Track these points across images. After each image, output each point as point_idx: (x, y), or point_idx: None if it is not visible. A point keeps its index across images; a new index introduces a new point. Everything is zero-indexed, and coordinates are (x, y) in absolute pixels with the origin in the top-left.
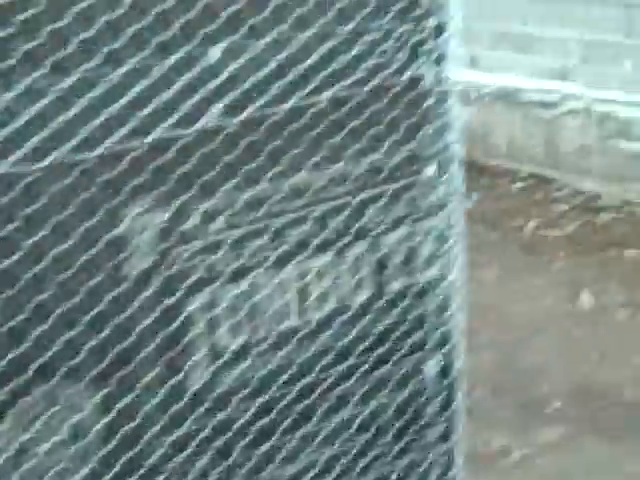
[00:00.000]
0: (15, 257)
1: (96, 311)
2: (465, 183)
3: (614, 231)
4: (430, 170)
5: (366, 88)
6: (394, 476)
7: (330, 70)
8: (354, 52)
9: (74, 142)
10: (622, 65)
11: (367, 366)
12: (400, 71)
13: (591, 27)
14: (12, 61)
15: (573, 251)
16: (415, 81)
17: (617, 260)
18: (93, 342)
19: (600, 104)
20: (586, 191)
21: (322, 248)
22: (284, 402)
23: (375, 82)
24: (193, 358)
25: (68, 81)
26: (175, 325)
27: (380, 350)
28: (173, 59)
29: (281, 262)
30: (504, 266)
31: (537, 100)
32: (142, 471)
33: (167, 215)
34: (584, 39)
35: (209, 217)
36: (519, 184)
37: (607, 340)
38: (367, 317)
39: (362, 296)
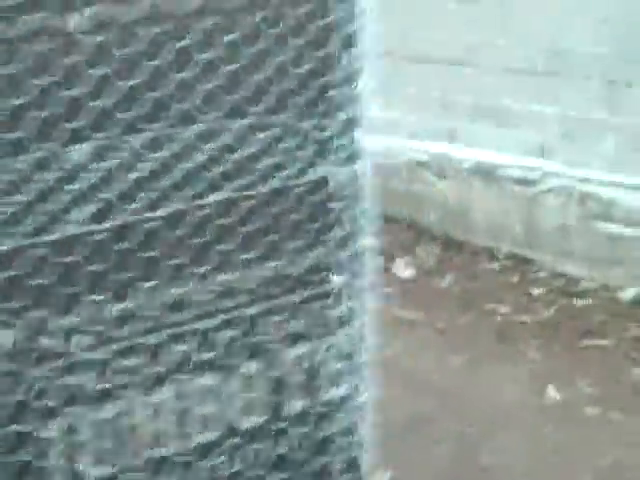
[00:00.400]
0: None
1: None
2: (441, 261)
3: (591, 318)
4: (337, 280)
5: (263, 190)
6: None
7: (220, 170)
8: (249, 150)
9: None
10: (605, 143)
11: None
12: (304, 171)
13: (573, 103)
14: None
15: (547, 339)
16: (322, 181)
17: (591, 351)
18: None
19: (581, 183)
20: (565, 273)
21: (207, 366)
22: None
23: (274, 183)
24: None
25: None
26: (28, 454)
27: (276, 478)
28: (31, 157)
29: (158, 382)
30: (473, 351)
31: (516, 177)
32: None
33: (16, 333)
34: (565, 115)
35: (70, 334)
36: (496, 264)
37: (572, 439)
38: (259, 442)
39: (254, 419)
